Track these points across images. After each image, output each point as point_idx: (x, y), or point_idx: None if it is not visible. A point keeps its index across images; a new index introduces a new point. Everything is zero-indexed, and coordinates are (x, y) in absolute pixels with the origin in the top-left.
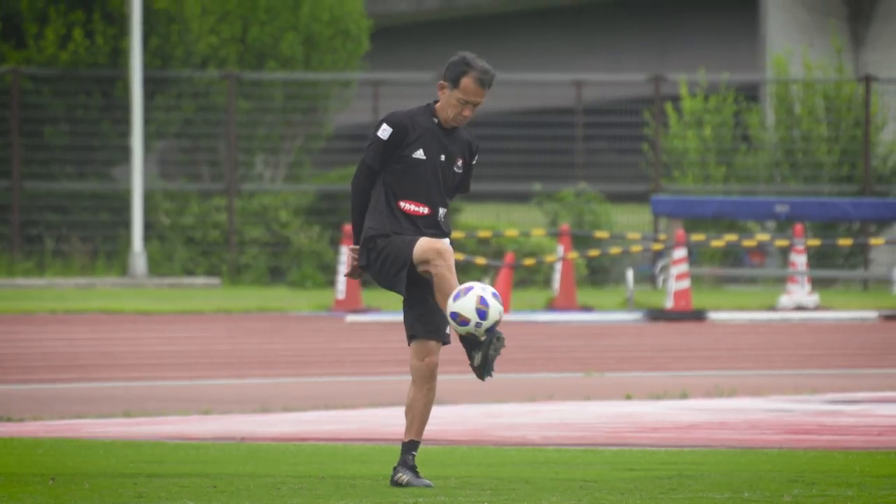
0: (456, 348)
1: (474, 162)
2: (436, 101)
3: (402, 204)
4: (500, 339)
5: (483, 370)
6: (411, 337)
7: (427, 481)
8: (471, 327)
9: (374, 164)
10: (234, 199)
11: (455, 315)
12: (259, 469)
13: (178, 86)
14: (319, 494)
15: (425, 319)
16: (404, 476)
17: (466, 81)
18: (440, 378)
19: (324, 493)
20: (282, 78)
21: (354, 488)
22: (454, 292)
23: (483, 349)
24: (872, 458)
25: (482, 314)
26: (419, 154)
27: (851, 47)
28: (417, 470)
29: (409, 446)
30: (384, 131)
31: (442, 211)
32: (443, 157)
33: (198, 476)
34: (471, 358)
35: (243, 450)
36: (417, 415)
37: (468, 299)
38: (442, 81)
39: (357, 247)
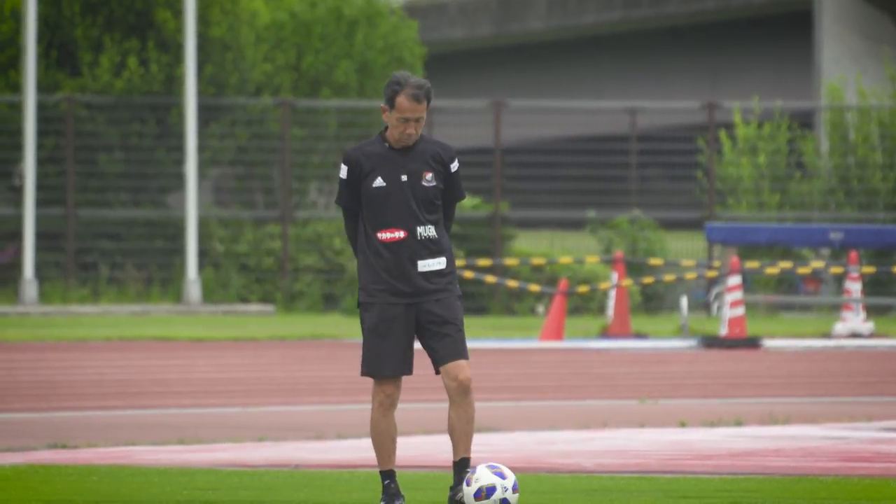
0: (500, 375)
1: (454, 169)
2: (385, 128)
3: (379, 235)
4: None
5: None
6: (438, 363)
7: None
8: (500, 492)
9: (346, 204)
10: (288, 227)
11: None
12: (313, 496)
13: (232, 113)
14: None
15: (445, 347)
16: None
17: (401, 100)
18: (493, 405)
19: None
20: (336, 105)
21: None
22: (474, 488)
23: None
24: None
25: (500, 475)
26: (378, 182)
27: None
28: None
29: (461, 465)
30: (342, 171)
31: (422, 229)
32: (405, 178)
33: (252, 503)
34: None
35: (297, 477)
36: (462, 433)
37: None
38: (382, 105)
39: None
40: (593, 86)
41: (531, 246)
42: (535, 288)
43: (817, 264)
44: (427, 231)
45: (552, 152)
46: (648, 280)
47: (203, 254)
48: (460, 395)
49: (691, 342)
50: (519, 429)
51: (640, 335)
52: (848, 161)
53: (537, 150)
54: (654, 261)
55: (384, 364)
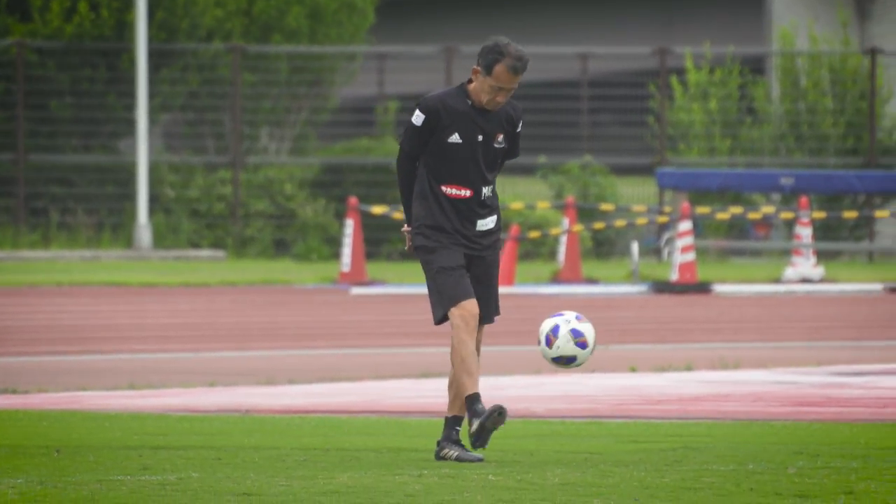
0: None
1: (519, 129)
2: (469, 81)
3: (443, 188)
4: (501, 414)
5: (476, 439)
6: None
7: (478, 455)
8: (581, 360)
9: (410, 150)
10: (239, 172)
11: (559, 359)
12: (264, 441)
13: (183, 59)
14: (324, 466)
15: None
16: (452, 451)
17: (499, 69)
18: (444, 350)
19: (328, 465)
20: (287, 51)
21: (359, 460)
22: (542, 338)
23: (482, 419)
24: (877, 430)
25: (583, 345)
26: (455, 138)
27: (857, 20)
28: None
29: (453, 421)
30: (417, 118)
31: (485, 189)
32: (480, 138)
33: (202, 448)
34: (470, 423)
35: (248, 422)
36: (461, 387)
37: (562, 338)
38: (476, 66)
39: (410, 229)
40: (545, 31)
41: None
42: None
43: (768, 209)
44: (488, 191)
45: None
46: (599, 225)
47: (154, 199)
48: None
49: (642, 287)
50: None
51: (590, 280)
52: (798, 107)
53: None
54: (606, 206)
55: (461, 291)
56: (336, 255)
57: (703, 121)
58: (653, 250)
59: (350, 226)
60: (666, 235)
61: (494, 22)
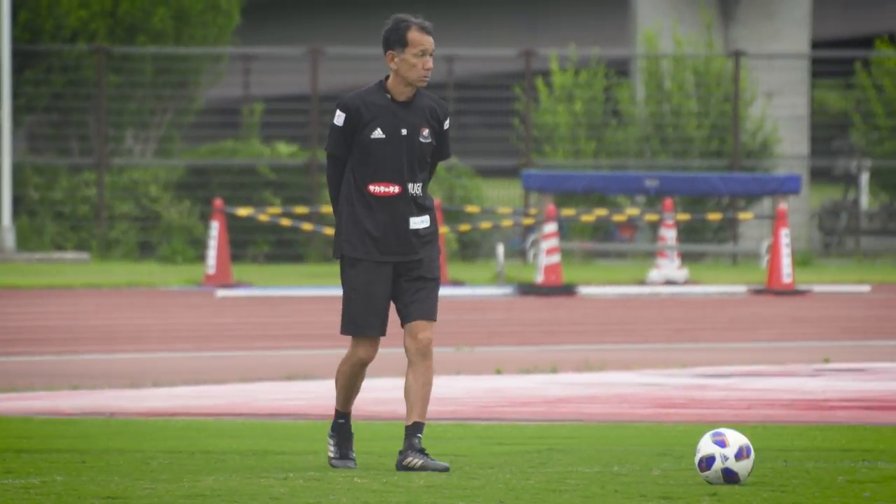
0: (320, 323)
1: (446, 126)
2: (386, 78)
3: (371, 188)
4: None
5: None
6: (405, 319)
7: (443, 463)
8: (719, 462)
9: (335, 151)
10: (103, 174)
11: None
12: (129, 444)
13: (47, 60)
14: (189, 469)
15: (417, 305)
16: (417, 460)
17: (412, 35)
18: (312, 353)
19: (193, 468)
20: (152, 52)
21: (224, 463)
22: (696, 459)
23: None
24: (741, 431)
25: (721, 443)
26: (378, 133)
27: (721, 22)
28: (426, 451)
29: (414, 429)
30: (338, 118)
31: (413, 186)
32: (404, 132)
33: (67, 451)
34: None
35: (113, 425)
36: (418, 396)
37: (713, 473)
38: (390, 52)
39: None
40: None
41: None
42: None
43: (632, 212)
44: (417, 188)
45: None
46: (465, 227)
47: (17, 201)
48: (419, 356)
49: (507, 289)
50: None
51: (456, 283)
52: (663, 109)
53: None
54: (471, 208)
55: (368, 324)
56: (201, 258)
57: (568, 123)
58: (518, 252)
59: (215, 228)
60: (531, 237)
61: (359, 24)
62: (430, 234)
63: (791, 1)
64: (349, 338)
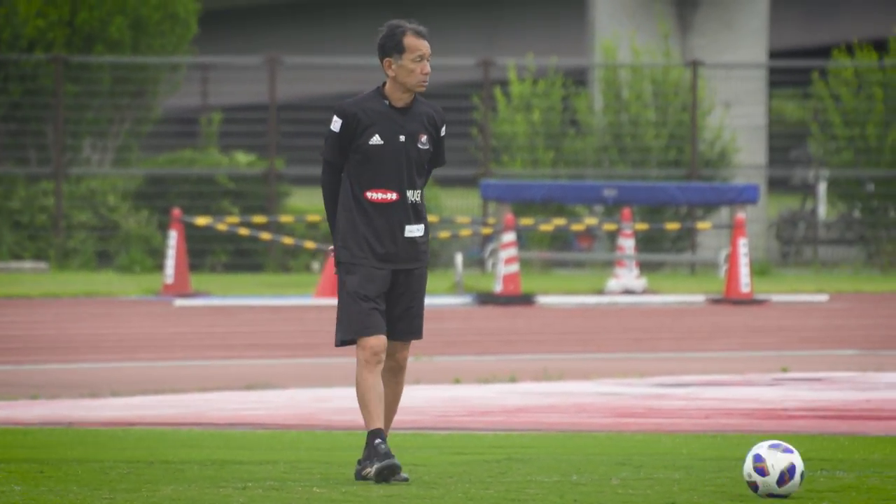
0: (278, 332)
1: (443, 133)
2: (383, 84)
3: (368, 195)
4: (391, 472)
5: (377, 479)
6: (391, 335)
7: (404, 475)
8: (763, 490)
9: (331, 158)
10: (61, 184)
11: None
12: (87, 454)
13: (4, 69)
14: (147, 479)
15: (404, 323)
16: (371, 469)
17: (408, 40)
18: (269, 362)
19: (152, 477)
20: (110, 61)
21: (183, 473)
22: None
23: (380, 465)
24: (699, 440)
25: (761, 471)
26: (376, 139)
27: (679, 32)
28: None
29: (374, 435)
30: (335, 123)
31: (411, 193)
32: (402, 138)
33: (25, 461)
34: (365, 460)
35: (71, 435)
36: (388, 411)
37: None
38: (387, 59)
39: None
40: (369, 42)
41: (306, 203)
42: (310, 245)
43: (591, 221)
44: (415, 196)
45: (327, 109)
46: None
47: None
48: (392, 372)
49: (466, 299)
50: (295, 386)
51: None
52: (621, 118)
53: (312, 106)
54: (430, 218)
55: (369, 324)
56: (159, 267)
57: (526, 132)
58: (477, 262)
59: (173, 237)
60: (490, 247)
61: (317, 32)
62: (425, 244)
63: (749, 11)
64: (332, 348)
